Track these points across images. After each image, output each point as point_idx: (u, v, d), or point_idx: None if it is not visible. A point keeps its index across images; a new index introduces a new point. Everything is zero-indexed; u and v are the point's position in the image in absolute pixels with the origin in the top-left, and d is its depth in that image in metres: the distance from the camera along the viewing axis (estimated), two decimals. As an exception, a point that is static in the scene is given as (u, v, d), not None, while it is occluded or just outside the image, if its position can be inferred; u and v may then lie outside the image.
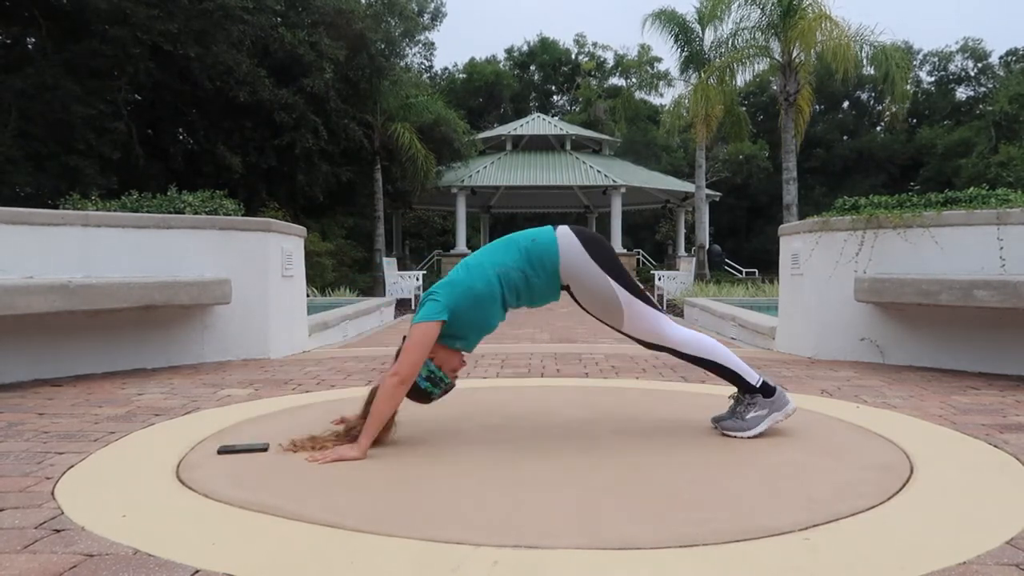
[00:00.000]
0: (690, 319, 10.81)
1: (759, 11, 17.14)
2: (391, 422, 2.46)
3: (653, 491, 1.97)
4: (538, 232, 2.54)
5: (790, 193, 16.56)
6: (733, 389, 2.67)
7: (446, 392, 2.53)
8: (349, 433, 2.43)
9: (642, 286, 2.55)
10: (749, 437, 2.55)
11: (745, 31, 17.79)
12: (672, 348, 2.56)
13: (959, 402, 3.32)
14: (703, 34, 20.16)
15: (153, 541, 1.63)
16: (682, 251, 25.94)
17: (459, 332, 2.47)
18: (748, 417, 2.58)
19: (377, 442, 2.40)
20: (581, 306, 2.59)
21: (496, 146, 28.22)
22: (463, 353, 2.55)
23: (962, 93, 37.69)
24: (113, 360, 4.39)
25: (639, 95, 34.84)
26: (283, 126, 16.44)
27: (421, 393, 2.47)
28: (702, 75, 18.87)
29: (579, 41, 40.89)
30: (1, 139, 12.94)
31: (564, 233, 2.51)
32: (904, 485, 2.04)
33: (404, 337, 2.42)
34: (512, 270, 2.46)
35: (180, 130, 18.30)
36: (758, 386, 2.58)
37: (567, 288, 2.56)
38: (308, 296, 7.53)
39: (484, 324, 2.50)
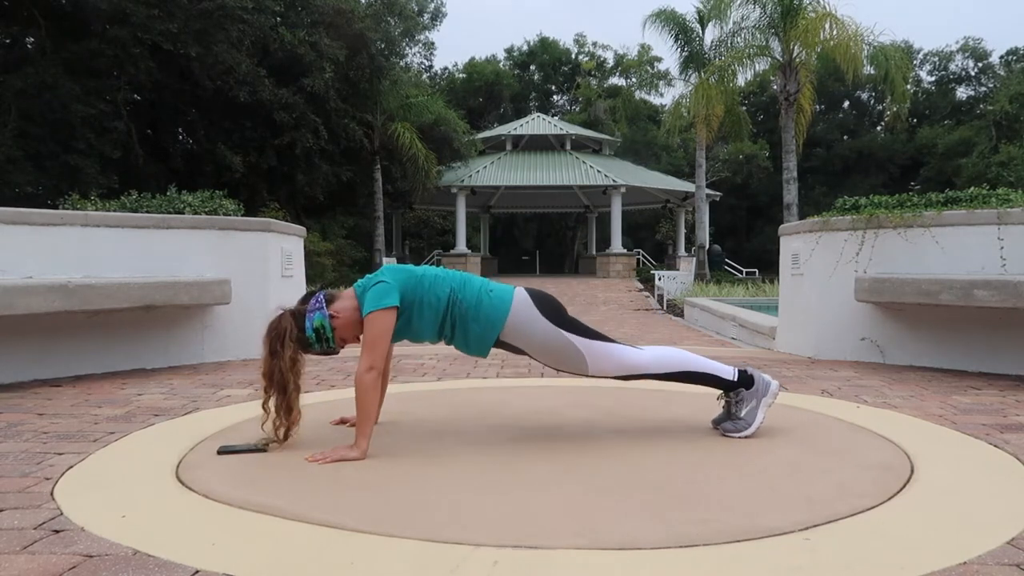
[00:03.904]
0: (690, 319, 10.80)
1: (759, 10, 17.16)
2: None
3: (653, 491, 1.97)
4: (497, 287, 2.55)
5: (790, 193, 16.56)
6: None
7: (323, 354, 2.49)
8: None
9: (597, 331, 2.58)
10: (751, 434, 2.55)
11: (745, 30, 17.82)
12: (644, 374, 2.58)
13: (959, 402, 3.32)
14: (703, 34, 20.18)
15: (153, 541, 1.63)
16: (682, 251, 25.97)
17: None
18: (743, 414, 2.59)
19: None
20: (541, 362, 2.60)
21: (496, 146, 28.23)
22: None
23: (962, 93, 37.66)
24: (113, 360, 4.39)
25: (639, 95, 34.83)
26: (283, 126, 16.45)
27: (303, 341, 2.42)
28: (702, 75, 18.89)
29: (579, 41, 40.81)
30: (1, 139, 12.94)
31: (520, 296, 2.52)
32: (904, 485, 2.04)
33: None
34: (460, 303, 2.47)
35: (180, 130, 18.33)
36: (737, 380, 2.60)
37: (503, 346, 2.56)
38: (308, 296, 7.50)
39: (417, 327, 2.49)
